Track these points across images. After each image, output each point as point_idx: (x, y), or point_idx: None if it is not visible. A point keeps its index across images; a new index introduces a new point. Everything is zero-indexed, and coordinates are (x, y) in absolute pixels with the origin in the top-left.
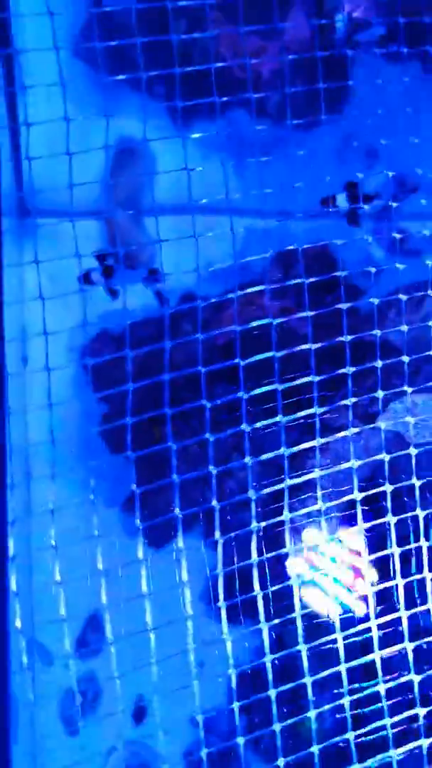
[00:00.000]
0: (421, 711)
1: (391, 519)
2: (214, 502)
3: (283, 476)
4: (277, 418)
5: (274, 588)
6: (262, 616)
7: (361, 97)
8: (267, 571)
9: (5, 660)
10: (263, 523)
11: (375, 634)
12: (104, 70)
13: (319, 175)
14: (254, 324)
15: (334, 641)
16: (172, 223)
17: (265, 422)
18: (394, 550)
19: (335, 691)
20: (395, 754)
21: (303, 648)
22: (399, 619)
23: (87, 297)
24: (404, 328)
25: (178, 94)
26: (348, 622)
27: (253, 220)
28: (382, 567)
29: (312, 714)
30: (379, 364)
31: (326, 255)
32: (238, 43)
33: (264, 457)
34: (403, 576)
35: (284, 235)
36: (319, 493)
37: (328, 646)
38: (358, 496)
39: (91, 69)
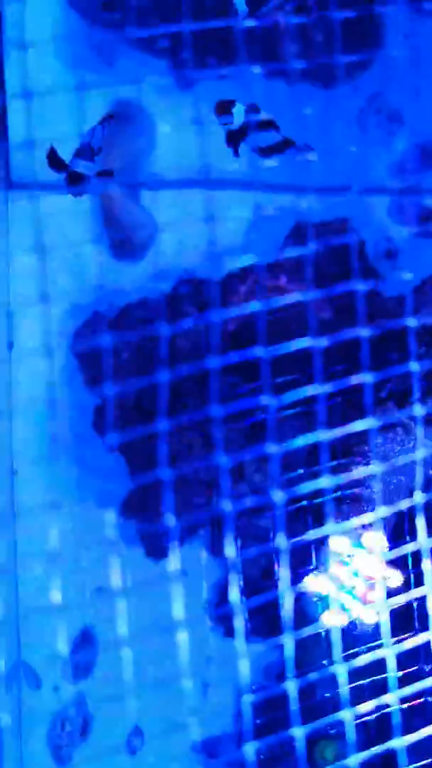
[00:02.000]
0: None
1: None
2: (228, 505)
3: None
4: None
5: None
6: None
7: (388, 56)
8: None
9: None
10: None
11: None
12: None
13: (337, 142)
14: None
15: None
16: (171, 198)
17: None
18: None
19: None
20: None
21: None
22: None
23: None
24: None
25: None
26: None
27: (263, 195)
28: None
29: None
30: None
31: (344, 233)
32: None
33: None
34: None
35: (297, 212)
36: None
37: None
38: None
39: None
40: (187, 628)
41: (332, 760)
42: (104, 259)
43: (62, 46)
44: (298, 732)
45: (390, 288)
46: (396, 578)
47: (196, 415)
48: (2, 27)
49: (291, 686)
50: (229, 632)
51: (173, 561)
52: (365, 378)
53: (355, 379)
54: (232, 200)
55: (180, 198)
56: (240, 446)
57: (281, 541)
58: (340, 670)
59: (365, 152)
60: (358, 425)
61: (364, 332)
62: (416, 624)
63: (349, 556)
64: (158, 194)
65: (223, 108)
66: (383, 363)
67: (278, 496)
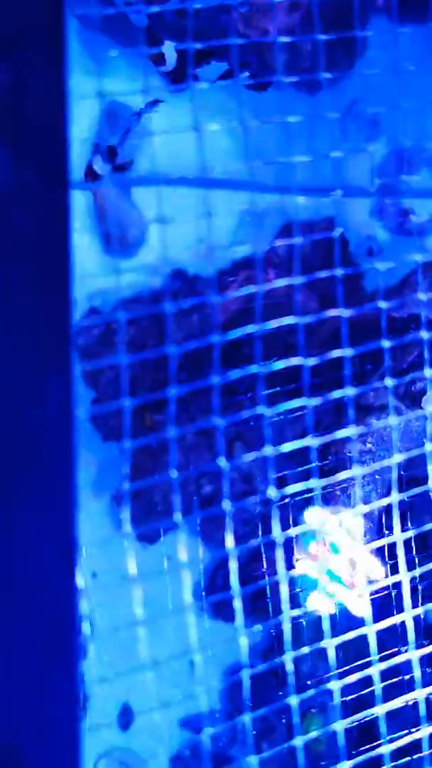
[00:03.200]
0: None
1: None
2: (226, 504)
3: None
4: (300, 401)
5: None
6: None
7: (371, 59)
8: (266, 565)
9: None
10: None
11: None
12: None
13: (322, 145)
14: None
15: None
16: (162, 196)
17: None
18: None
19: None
20: None
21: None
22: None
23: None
24: None
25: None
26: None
27: (252, 194)
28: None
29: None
30: (425, 335)
31: (330, 232)
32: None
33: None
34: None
35: (283, 211)
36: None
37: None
38: (395, 498)
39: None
40: (177, 611)
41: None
42: (97, 254)
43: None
44: (293, 701)
45: (371, 283)
46: (377, 569)
47: (192, 408)
48: None
49: (288, 659)
50: (217, 614)
51: (164, 547)
52: (346, 352)
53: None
54: (221, 199)
55: (171, 196)
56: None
57: (276, 532)
58: (328, 650)
59: (347, 156)
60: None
61: (345, 313)
62: (394, 609)
63: (333, 545)
64: (149, 192)
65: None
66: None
67: (271, 489)
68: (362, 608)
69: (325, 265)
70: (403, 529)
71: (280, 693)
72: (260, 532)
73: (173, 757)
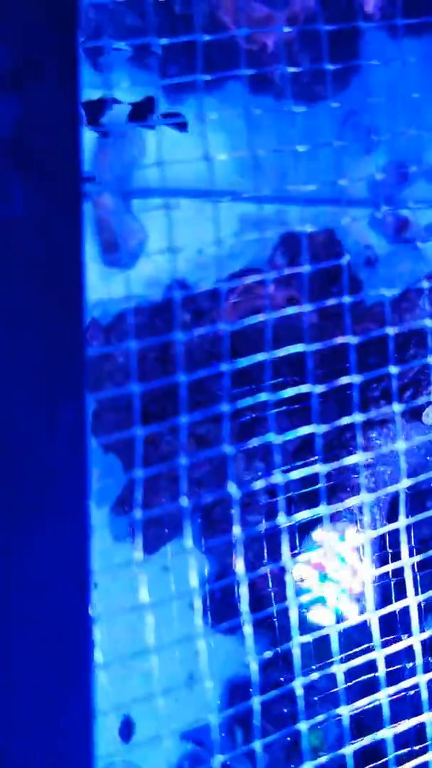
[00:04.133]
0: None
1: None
2: (233, 489)
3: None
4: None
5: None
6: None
7: (366, 74)
8: (269, 578)
9: None
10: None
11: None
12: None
13: (320, 157)
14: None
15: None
16: (161, 207)
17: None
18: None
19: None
20: None
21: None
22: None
23: None
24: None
25: (178, 66)
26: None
27: (249, 205)
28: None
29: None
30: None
31: (332, 242)
32: (242, 10)
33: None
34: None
35: (282, 221)
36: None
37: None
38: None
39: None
40: (174, 619)
41: (319, 746)
42: (96, 264)
43: None
44: (303, 726)
45: (371, 296)
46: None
47: (192, 417)
48: None
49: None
50: (216, 624)
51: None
52: (353, 378)
53: (345, 379)
54: (221, 210)
55: (170, 207)
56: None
57: (282, 518)
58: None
59: (346, 166)
60: (346, 420)
61: (351, 339)
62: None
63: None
64: (148, 203)
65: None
66: (370, 364)
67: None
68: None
69: (325, 277)
70: (408, 547)
71: (285, 710)
72: (266, 552)
73: None
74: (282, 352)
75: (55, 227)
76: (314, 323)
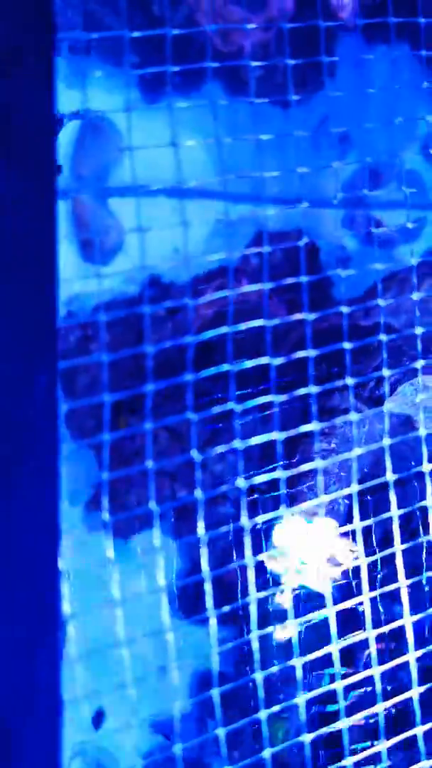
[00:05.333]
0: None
1: (395, 512)
2: (199, 493)
3: (270, 466)
4: (269, 398)
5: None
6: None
7: (341, 77)
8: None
9: None
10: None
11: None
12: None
13: (294, 159)
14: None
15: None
16: (138, 206)
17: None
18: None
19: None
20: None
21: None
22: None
23: None
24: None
25: (152, 62)
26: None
27: (224, 205)
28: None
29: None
30: (384, 338)
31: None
32: (221, 14)
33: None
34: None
35: (255, 221)
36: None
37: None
38: (355, 488)
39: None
40: (145, 612)
41: (282, 739)
42: (75, 260)
43: None
44: (263, 714)
45: (340, 292)
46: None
47: (166, 410)
48: None
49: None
50: (188, 615)
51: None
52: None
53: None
54: (196, 209)
55: (146, 205)
56: (205, 441)
57: (244, 522)
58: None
59: (318, 169)
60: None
61: (310, 317)
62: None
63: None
64: (125, 201)
65: None
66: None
67: (241, 483)
68: (325, 586)
69: (294, 274)
70: (368, 527)
71: (252, 703)
72: (231, 530)
73: (144, 759)
74: (243, 326)
75: (31, 205)
76: (283, 315)
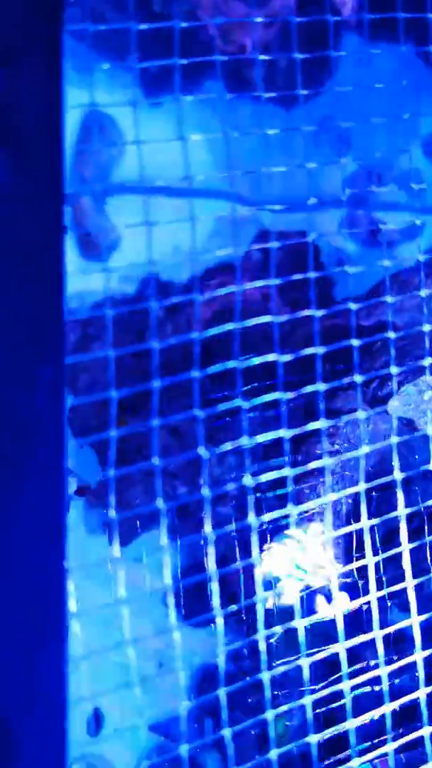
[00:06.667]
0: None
1: (402, 512)
2: (206, 491)
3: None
4: (276, 395)
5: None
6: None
7: (343, 76)
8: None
9: None
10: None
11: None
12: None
13: (296, 158)
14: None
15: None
16: (134, 205)
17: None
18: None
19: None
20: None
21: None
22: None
23: None
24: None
25: (154, 60)
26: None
27: (226, 204)
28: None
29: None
30: (392, 335)
31: (305, 244)
32: (223, 11)
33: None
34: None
35: (258, 221)
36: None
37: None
38: (362, 486)
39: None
40: (146, 612)
41: (283, 734)
42: (74, 257)
43: None
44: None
45: (342, 292)
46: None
47: (166, 409)
48: None
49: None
50: (188, 616)
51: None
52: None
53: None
54: (198, 208)
55: (145, 205)
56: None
57: (252, 520)
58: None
59: (321, 169)
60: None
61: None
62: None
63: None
64: (125, 200)
65: None
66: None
67: (249, 480)
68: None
69: (297, 273)
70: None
71: (250, 699)
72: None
73: (144, 761)
74: (246, 323)
75: (38, 198)
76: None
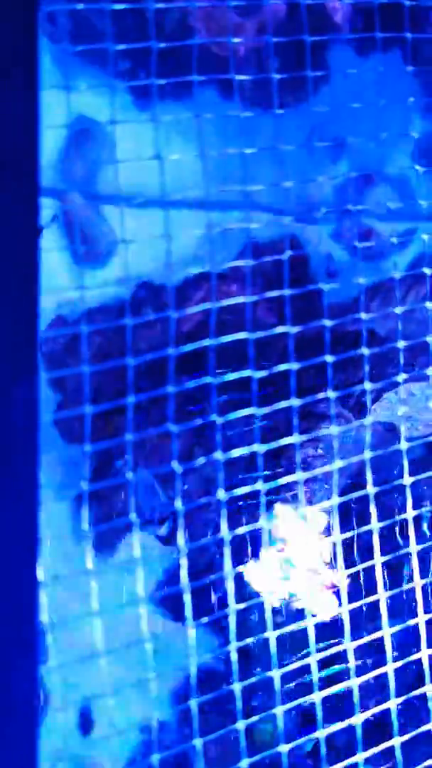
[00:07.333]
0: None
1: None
2: (178, 503)
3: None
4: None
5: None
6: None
7: (333, 84)
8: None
9: None
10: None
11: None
12: (66, 40)
13: (285, 167)
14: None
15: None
16: (131, 212)
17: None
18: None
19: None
20: (361, 758)
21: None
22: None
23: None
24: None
25: (147, 70)
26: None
27: (216, 213)
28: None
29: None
30: (366, 351)
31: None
32: (214, 18)
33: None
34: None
35: (246, 230)
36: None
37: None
38: (335, 500)
39: (49, 37)
40: (132, 614)
41: (270, 740)
42: (66, 264)
43: None
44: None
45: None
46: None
47: (153, 414)
48: None
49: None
50: (177, 618)
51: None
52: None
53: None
54: (187, 216)
55: (138, 212)
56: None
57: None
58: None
59: (312, 175)
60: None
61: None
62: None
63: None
64: (118, 208)
65: None
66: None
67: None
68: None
69: (283, 280)
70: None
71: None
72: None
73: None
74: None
75: (13, 209)
76: (273, 323)
